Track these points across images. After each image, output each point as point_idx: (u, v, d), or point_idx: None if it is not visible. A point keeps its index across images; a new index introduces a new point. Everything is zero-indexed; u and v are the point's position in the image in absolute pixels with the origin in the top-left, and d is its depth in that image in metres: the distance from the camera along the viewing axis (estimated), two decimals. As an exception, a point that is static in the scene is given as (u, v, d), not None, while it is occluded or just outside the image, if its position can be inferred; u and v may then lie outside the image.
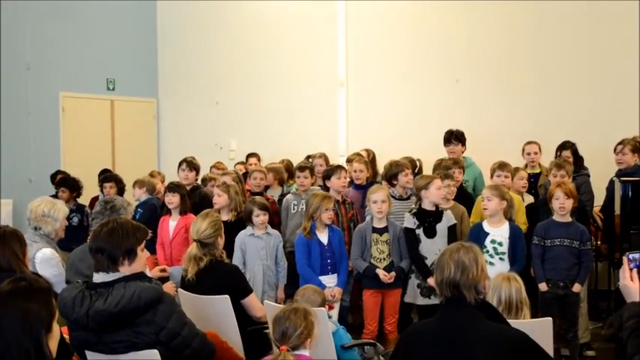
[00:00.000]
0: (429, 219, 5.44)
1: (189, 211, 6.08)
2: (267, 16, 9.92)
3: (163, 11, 10.77)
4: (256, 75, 9.98)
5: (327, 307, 4.32)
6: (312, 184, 6.62)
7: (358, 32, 9.30)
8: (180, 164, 6.97)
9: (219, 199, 5.84)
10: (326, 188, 6.19)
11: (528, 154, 6.79)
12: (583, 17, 7.95)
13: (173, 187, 6.17)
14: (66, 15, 9.58)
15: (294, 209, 6.25)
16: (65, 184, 7.59)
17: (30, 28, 9.23)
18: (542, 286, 5.22)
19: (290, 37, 9.74)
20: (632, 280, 2.65)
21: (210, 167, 8.26)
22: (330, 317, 4.20)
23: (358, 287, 6.07)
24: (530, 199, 6.32)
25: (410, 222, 5.47)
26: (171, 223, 6.09)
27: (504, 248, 5.24)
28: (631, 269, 2.67)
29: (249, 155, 8.80)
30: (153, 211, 6.62)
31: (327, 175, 6.25)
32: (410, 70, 8.97)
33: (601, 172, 6.58)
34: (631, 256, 2.71)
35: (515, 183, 6.17)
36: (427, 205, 5.49)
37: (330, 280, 5.36)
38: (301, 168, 6.43)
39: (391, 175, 6.06)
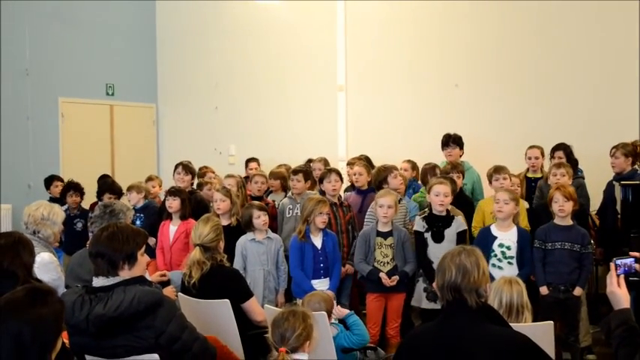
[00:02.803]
0: (438, 224, 5.41)
1: (190, 216, 6.04)
2: (266, 21, 9.93)
3: (162, 17, 10.78)
4: (255, 80, 9.99)
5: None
6: (312, 188, 6.60)
7: (357, 37, 9.29)
8: (175, 168, 6.94)
9: (223, 204, 5.80)
10: (324, 192, 6.17)
11: (530, 158, 6.77)
12: (583, 21, 7.93)
13: (174, 192, 6.15)
14: (65, 20, 9.59)
15: (289, 213, 6.23)
16: (75, 188, 7.57)
17: (29, 33, 9.24)
18: (543, 290, 5.20)
19: (289, 42, 9.74)
20: (619, 286, 2.61)
21: (199, 175, 7.70)
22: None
23: (358, 291, 6.05)
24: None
25: (419, 225, 5.46)
26: (171, 228, 6.05)
27: (513, 252, 5.23)
28: (618, 275, 2.63)
29: (249, 160, 8.76)
30: (156, 216, 6.58)
31: (320, 179, 6.26)
32: (409, 74, 8.96)
33: (602, 175, 6.57)
34: (618, 261, 2.66)
35: None
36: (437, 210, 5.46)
37: (321, 285, 5.34)
38: (295, 171, 6.39)
39: (380, 179, 6.03)
